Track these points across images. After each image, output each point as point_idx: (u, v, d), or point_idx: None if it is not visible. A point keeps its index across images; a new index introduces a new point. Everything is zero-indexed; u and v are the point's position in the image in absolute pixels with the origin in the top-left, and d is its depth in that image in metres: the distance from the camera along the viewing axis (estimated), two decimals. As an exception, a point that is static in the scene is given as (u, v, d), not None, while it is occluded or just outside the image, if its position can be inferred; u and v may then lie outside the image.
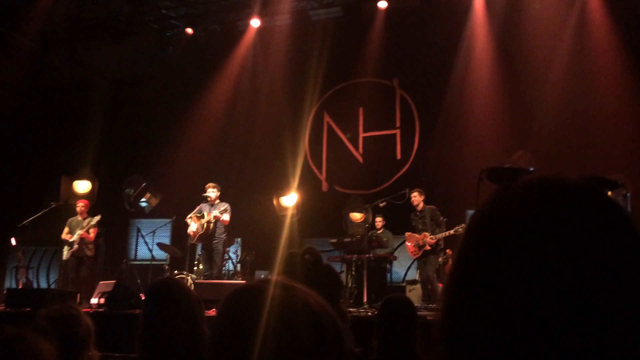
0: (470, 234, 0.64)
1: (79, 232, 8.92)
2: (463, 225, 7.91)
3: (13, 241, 9.63)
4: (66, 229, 9.07)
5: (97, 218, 9.04)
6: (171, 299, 2.23)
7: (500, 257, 0.59)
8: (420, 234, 8.14)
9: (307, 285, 0.93)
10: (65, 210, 10.06)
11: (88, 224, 8.97)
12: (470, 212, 9.48)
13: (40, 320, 2.34)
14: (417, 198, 8.31)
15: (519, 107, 9.23)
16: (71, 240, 8.92)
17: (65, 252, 8.96)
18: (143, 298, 2.50)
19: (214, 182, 8.76)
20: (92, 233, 9.05)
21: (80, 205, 9.26)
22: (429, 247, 8.02)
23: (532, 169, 8.06)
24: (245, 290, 0.91)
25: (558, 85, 8.98)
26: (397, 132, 10.69)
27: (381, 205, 8.46)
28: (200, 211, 8.62)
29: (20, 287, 9.26)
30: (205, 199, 8.64)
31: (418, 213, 8.35)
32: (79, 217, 9.15)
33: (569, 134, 8.81)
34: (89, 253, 9.03)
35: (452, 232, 7.93)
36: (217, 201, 8.62)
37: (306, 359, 0.83)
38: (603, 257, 0.57)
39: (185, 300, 2.26)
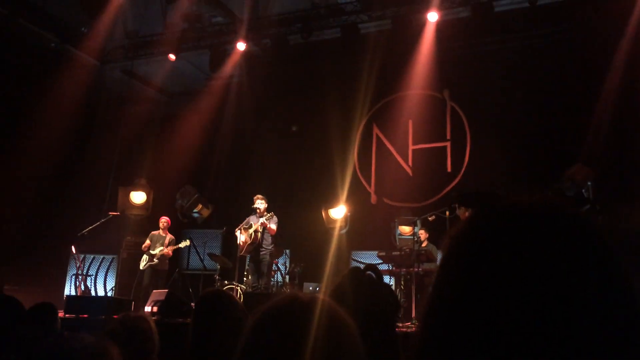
0: (448, 260, 0.69)
1: (161, 248, 9.65)
2: None
3: (73, 249, 10.02)
4: (147, 242, 9.76)
5: (185, 243, 9.81)
6: (218, 311, 2.28)
7: (474, 282, 0.63)
8: None
9: (368, 303, 0.92)
10: (122, 220, 10.44)
11: (170, 242, 9.78)
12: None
13: (117, 325, 2.42)
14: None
15: (574, 119, 8.95)
16: (153, 252, 9.62)
17: (143, 263, 9.68)
18: (194, 308, 2.55)
19: (262, 194, 8.89)
20: (170, 250, 9.77)
21: (162, 221, 9.95)
22: None
23: (589, 183, 7.79)
24: (297, 304, 0.90)
25: (614, 95, 8.65)
26: (448, 144, 10.55)
27: (430, 219, 8.34)
28: (247, 223, 8.76)
29: (79, 294, 9.63)
30: (254, 211, 8.77)
31: None
32: (161, 232, 9.84)
33: (628, 146, 8.47)
34: (166, 267, 9.79)
35: None
36: (265, 213, 8.74)
37: None
38: (567, 277, 0.60)
39: (232, 312, 2.30)
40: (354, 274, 1.72)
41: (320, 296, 0.93)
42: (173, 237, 9.92)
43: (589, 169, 7.97)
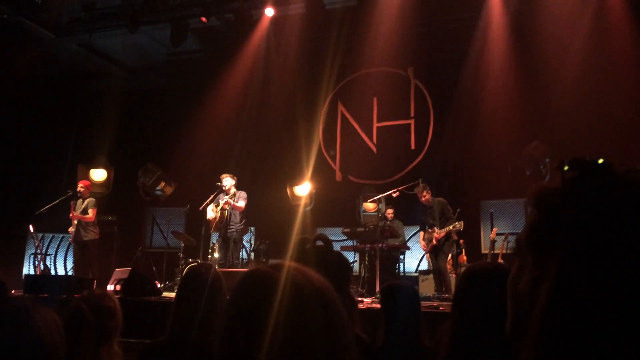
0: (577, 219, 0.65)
1: (76, 214, 8.79)
2: (461, 222, 7.80)
3: (31, 228, 9.78)
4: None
5: (93, 200, 8.91)
6: (203, 286, 2.26)
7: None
8: (431, 229, 8.07)
9: (318, 271, 0.97)
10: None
11: (86, 205, 8.85)
12: (487, 202, 9.44)
13: (81, 304, 2.36)
14: (426, 197, 8.17)
15: (534, 97, 9.13)
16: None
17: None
18: (181, 279, 2.53)
19: (229, 172, 8.80)
20: (91, 213, 8.83)
21: (80, 186, 9.03)
22: (435, 242, 7.94)
23: (547, 160, 8.01)
24: (260, 275, 0.94)
25: (574, 75, 8.85)
26: (412, 122, 10.64)
27: (394, 195, 8.44)
28: (217, 200, 8.68)
29: (38, 273, 9.42)
30: (220, 189, 8.67)
31: (427, 209, 8.24)
32: (80, 200, 9.00)
33: (585, 123, 8.69)
34: (89, 237, 8.83)
35: (449, 228, 7.81)
36: (233, 189, 8.67)
37: (315, 337, 0.87)
38: None
39: (217, 288, 2.30)
40: (300, 245, 1.75)
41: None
42: (92, 199, 8.90)
43: (546, 146, 8.18)
